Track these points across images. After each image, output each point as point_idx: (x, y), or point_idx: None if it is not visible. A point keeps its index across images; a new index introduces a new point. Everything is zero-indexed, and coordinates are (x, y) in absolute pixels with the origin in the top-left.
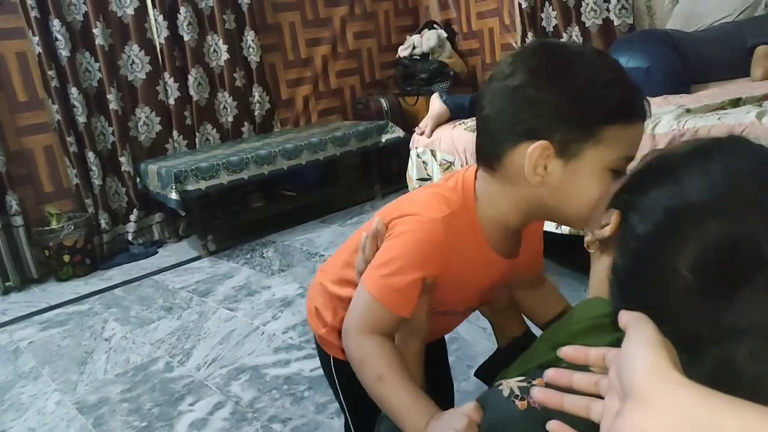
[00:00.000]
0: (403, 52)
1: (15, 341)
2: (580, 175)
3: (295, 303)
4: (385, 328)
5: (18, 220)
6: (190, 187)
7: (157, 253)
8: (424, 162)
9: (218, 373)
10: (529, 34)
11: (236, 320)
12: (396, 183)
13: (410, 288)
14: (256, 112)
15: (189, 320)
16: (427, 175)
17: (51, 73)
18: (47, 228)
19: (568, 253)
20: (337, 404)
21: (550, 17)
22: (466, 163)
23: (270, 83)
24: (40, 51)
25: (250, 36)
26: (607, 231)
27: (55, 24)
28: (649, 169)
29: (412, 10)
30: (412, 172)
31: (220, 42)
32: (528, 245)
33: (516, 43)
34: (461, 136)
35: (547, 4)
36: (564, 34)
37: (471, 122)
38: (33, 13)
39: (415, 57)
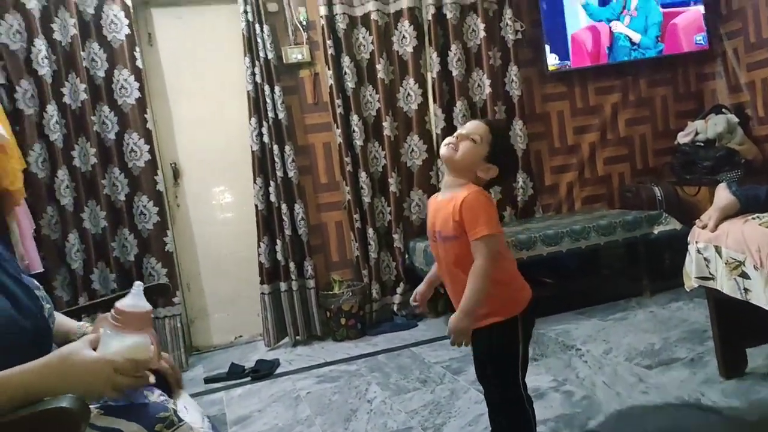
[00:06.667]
0: (683, 138)
1: (297, 389)
2: None
3: (548, 396)
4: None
5: (311, 283)
6: None
7: (417, 326)
8: (705, 259)
9: None
10: None
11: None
12: (667, 279)
13: None
14: (519, 198)
15: (441, 396)
16: (710, 274)
17: (347, 159)
18: (331, 293)
19: None
20: None
21: None
22: (760, 264)
23: (534, 169)
24: (341, 141)
25: (518, 125)
26: None
27: (354, 119)
28: None
29: (694, 94)
30: (691, 268)
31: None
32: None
33: None
34: (754, 232)
35: None
36: None
37: (766, 217)
38: (338, 111)
39: (697, 143)
